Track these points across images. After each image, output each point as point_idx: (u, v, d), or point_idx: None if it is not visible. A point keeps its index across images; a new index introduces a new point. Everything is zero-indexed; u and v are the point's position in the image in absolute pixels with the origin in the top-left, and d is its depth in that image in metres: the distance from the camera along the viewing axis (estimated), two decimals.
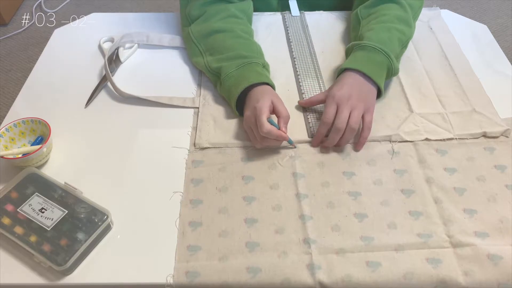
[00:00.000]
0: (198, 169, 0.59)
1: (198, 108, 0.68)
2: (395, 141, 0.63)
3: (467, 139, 0.63)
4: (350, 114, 0.60)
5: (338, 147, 0.62)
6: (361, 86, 0.62)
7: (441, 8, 0.87)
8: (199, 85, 0.72)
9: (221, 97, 0.69)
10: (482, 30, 0.84)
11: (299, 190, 0.57)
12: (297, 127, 0.65)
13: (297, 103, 0.68)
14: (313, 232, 0.53)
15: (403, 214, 0.55)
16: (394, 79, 0.72)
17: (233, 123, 0.65)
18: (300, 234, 0.53)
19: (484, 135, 0.64)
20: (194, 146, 0.62)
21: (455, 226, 0.53)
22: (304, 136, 0.63)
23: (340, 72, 0.66)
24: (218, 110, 0.67)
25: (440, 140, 0.63)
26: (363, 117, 0.61)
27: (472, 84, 0.71)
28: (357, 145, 0.62)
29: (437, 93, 0.70)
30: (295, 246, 0.52)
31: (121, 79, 0.73)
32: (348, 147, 0.62)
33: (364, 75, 0.63)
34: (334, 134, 0.59)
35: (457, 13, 0.87)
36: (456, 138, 0.63)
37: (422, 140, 0.63)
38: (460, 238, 0.52)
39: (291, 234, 0.53)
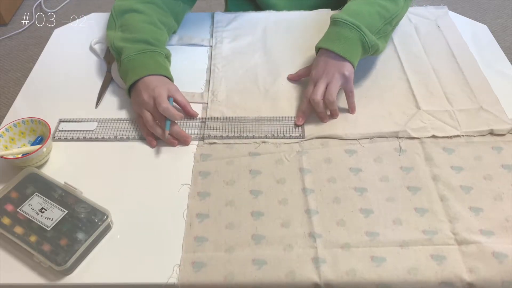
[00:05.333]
0: (206, 162, 0.60)
1: (206, 103, 0.68)
2: (402, 138, 0.63)
3: (474, 136, 0.63)
4: (327, 87, 0.63)
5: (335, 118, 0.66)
6: (336, 62, 0.64)
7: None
8: (208, 81, 0.72)
9: (230, 93, 0.70)
10: (482, 30, 0.83)
11: (305, 185, 0.57)
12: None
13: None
14: (318, 226, 0.53)
15: (408, 211, 0.55)
16: (401, 76, 0.72)
17: (241, 119, 0.66)
18: (306, 228, 0.53)
19: (491, 133, 0.64)
20: (203, 140, 0.63)
21: (461, 224, 0.54)
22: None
23: (316, 50, 0.68)
24: (227, 106, 0.68)
25: (447, 137, 0.63)
26: (344, 87, 0.65)
27: (479, 82, 0.71)
28: (351, 110, 0.67)
29: (444, 91, 0.70)
30: (300, 240, 0.52)
31: None
32: (355, 145, 0.62)
33: (335, 53, 0.64)
34: (315, 107, 0.64)
35: (457, 13, 0.86)
36: (463, 135, 0.63)
37: (429, 138, 0.63)
38: (465, 235, 0.52)
39: (297, 228, 0.53)
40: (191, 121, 0.66)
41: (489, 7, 1.93)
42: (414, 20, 0.84)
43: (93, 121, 0.66)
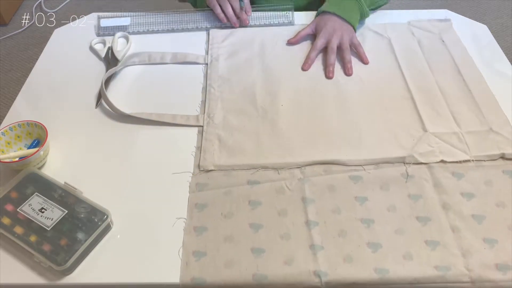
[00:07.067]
0: (203, 193, 0.57)
1: (202, 126, 0.65)
2: (409, 163, 0.60)
3: (484, 161, 0.60)
4: (340, 41, 0.75)
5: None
6: (341, 23, 0.76)
7: (441, 8, 0.86)
8: (203, 102, 0.69)
9: (227, 115, 0.66)
10: (482, 30, 0.83)
11: (308, 217, 0.54)
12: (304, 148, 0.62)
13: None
14: (324, 263, 0.50)
15: (419, 244, 0.52)
16: (406, 95, 0.69)
17: (239, 143, 0.62)
18: (311, 266, 0.50)
19: (503, 157, 0.61)
20: (199, 168, 0.59)
21: (475, 258, 0.50)
22: (308, 158, 0.61)
23: (317, 14, 0.80)
24: (223, 129, 0.64)
25: (456, 162, 0.60)
26: (352, 41, 0.76)
27: (487, 101, 0.68)
28: (364, 60, 0.75)
29: (451, 110, 0.67)
30: (305, 278, 0.49)
31: (122, 95, 0.70)
32: (360, 171, 0.59)
33: (340, 17, 0.76)
34: (330, 53, 0.74)
35: (457, 13, 0.86)
36: (472, 160, 0.60)
37: (437, 163, 0.60)
38: (480, 272, 0.49)
39: (301, 265, 0.50)
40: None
41: (489, 7, 1.93)
42: (417, 33, 0.81)
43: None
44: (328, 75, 0.72)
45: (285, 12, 0.85)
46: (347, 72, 0.73)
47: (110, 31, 0.82)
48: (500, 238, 0.52)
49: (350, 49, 0.75)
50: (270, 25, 0.84)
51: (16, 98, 0.69)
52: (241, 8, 0.81)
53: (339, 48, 0.75)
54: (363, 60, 0.75)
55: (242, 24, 0.82)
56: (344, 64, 0.73)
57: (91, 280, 0.49)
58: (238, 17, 0.81)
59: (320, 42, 0.75)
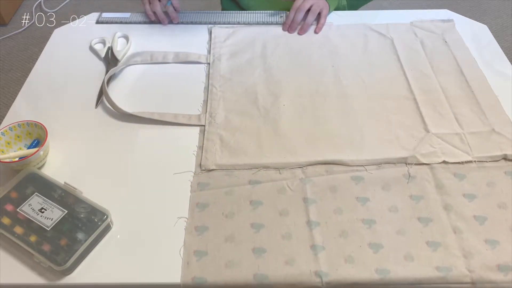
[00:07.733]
0: (204, 192, 0.57)
1: (204, 126, 0.65)
2: (411, 164, 0.60)
3: (486, 162, 0.60)
4: (312, 6, 0.81)
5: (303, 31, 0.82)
6: None
7: (441, 8, 0.87)
8: (205, 101, 0.69)
9: (229, 115, 0.66)
10: (482, 30, 0.83)
11: (310, 217, 0.54)
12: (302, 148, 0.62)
13: None
14: (325, 264, 0.50)
15: (420, 245, 0.52)
16: (408, 95, 0.69)
17: (240, 143, 0.62)
18: (312, 266, 0.50)
19: (505, 158, 0.60)
20: (200, 167, 0.59)
21: (476, 260, 0.50)
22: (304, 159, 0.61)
23: None
24: (225, 129, 0.64)
25: (458, 163, 0.60)
26: (321, 10, 0.81)
27: (489, 102, 0.68)
28: (317, 28, 0.82)
29: (453, 111, 0.67)
30: (306, 278, 0.49)
31: (123, 95, 0.70)
32: (362, 171, 0.59)
33: None
34: (298, 13, 0.81)
35: (457, 13, 0.86)
36: (475, 161, 0.60)
37: (439, 163, 0.60)
38: (482, 273, 0.49)
39: (302, 265, 0.50)
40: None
41: (489, 7, 1.93)
42: (420, 34, 0.80)
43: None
44: (286, 28, 0.82)
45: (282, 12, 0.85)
46: (299, 31, 0.81)
47: (110, 21, 0.84)
48: (502, 239, 0.52)
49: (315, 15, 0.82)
50: (269, 23, 0.84)
51: (16, 98, 0.69)
52: (167, 6, 0.81)
53: (308, 10, 0.81)
54: (315, 29, 0.82)
55: (172, 22, 0.83)
56: (303, 25, 0.81)
57: (91, 280, 0.49)
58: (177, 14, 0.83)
59: (298, 2, 0.81)
